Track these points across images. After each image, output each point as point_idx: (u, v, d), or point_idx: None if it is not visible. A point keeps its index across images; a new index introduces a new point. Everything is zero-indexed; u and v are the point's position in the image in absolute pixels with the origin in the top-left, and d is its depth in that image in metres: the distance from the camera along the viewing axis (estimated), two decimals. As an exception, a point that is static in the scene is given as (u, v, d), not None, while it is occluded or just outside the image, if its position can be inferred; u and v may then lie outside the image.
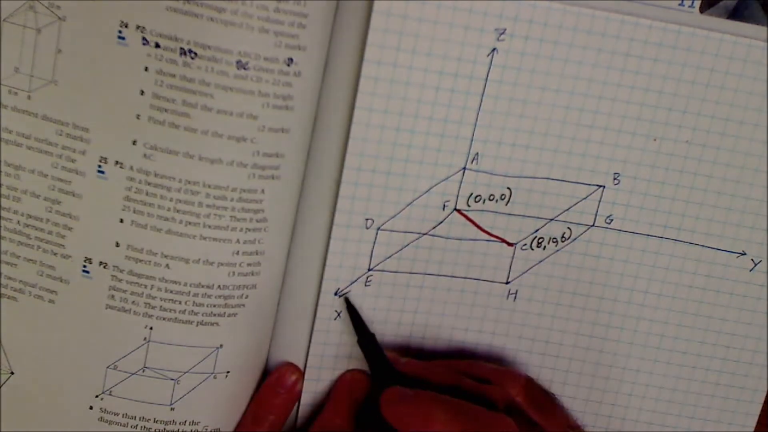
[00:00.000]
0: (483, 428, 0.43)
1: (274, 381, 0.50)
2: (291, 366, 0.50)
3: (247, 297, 0.47)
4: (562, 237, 0.50)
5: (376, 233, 0.48)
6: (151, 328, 0.46)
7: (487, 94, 0.46)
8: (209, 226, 0.44)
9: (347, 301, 0.49)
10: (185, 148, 0.43)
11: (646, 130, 0.48)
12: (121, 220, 0.44)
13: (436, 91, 0.46)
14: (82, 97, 0.43)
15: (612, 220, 0.50)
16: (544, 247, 0.50)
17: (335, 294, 0.49)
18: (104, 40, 0.42)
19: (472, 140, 0.47)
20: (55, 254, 0.46)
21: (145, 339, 0.46)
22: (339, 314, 0.49)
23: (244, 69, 0.42)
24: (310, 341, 0.50)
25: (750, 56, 0.47)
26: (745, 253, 0.51)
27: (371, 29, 0.44)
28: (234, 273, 0.46)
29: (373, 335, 0.48)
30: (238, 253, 0.45)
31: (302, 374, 0.50)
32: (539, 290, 0.51)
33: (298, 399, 0.51)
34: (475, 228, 0.49)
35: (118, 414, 0.47)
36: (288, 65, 0.43)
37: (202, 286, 0.45)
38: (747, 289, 0.51)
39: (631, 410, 0.53)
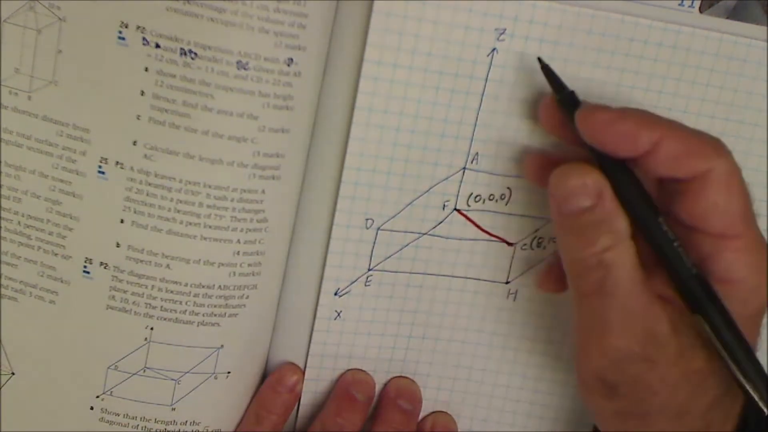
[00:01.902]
0: (708, 140, 0.39)
1: (274, 381, 0.50)
2: (292, 366, 0.50)
3: (247, 297, 0.47)
4: (562, 237, 0.50)
5: (376, 233, 0.48)
6: (151, 329, 0.46)
7: (487, 94, 0.46)
8: (210, 227, 0.44)
9: (541, 61, 0.44)
10: (186, 148, 0.43)
11: (646, 130, 0.48)
12: (122, 221, 0.44)
13: (436, 91, 0.46)
14: (82, 97, 0.43)
15: (612, 219, 0.50)
16: (544, 247, 0.50)
17: (336, 294, 0.49)
18: (104, 40, 0.42)
19: (472, 140, 0.47)
20: (56, 255, 0.46)
21: (145, 339, 0.46)
22: (339, 314, 0.49)
23: (245, 69, 0.42)
24: (310, 341, 0.50)
25: (750, 56, 0.47)
26: (744, 253, 0.51)
27: (371, 29, 0.44)
28: (234, 273, 0.46)
29: (574, 92, 0.43)
30: (238, 253, 0.45)
31: (303, 374, 0.50)
32: (539, 290, 0.51)
33: (299, 399, 0.51)
34: (475, 228, 0.49)
35: (119, 414, 0.47)
36: (288, 65, 0.43)
37: (203, 287, 0.45)
38: (747, 289, 0.51)
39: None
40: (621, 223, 0.40)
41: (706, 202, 0.39)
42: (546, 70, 0.44)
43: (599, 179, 0.41)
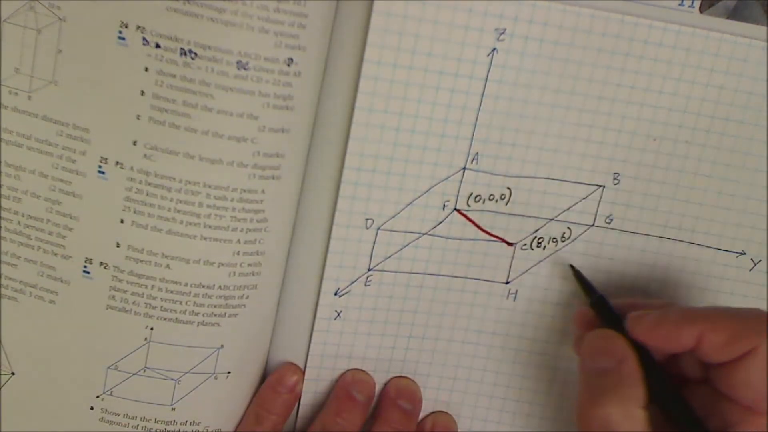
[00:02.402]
0: (753, 323, 0.41)
1: (275, 381, 0.50)
2: (292, 366, 0.50)
3: (247, 297, 0.47)
4: (562, 237, 0.50)
5: (376, 233, 0.48)
6: (151, 329, 0.46)
7: (487, 94, 0.46)
8: (210, 227, 0.44)
9: (574, 269, 0.49)
10: (185, 148, 0.43)
11: (646, 130, 0.48)
12: (122, 221, 0.44)
13: (436, 91, 0.46)
14: (82, 97, 0.43)
15: (612, 220, 0.50)
16: (544, 247, 0.50)
17: (336, 294, 0.49)
18: (104, 40, 0.42)
19: (472, 140, 0.47)
20: (56, 255, 0.46)
21: (145, 339, 0.46)
22: (339, 314, 0.49)
23: (245, 69, 0.42)
24: (310, 341, 0.50)
25: (750, 56, 0.47)
26: (744, 253, 0.51)
27: (371, 29, 0.44)
28: (234, 273, 0.46)
29: (604, 296, 0.47)
30: (238, 253, 0.45)
31: (303, 374, 0.50)
32: (539, 290, 0.51)
33: (299, 399, 0.51)
34: (475, 228, 0.49)
35: (119, 414, 0.47)
36: (288, 65, 0.43)
37: (203, 287, 0.45)
38: (747, 289, 0.51)
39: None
40: (636, 392, 0.42)
41: (740, 377, 0.41)
42: (579, 276, 0.49)
43: (625, 347, 0.43)
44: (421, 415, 0.52)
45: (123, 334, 0.46)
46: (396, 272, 0.49)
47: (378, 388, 0.52)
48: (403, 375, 0.52)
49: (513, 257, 0.50)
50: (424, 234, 0.49)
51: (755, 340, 0.40)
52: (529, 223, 0.49)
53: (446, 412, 0.53)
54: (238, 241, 0.45)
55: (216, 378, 0.48)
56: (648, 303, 0.47)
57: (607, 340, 0.44)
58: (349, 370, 0.51)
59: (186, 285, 0.45)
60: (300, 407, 0.51)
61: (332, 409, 0.50)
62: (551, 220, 0.49)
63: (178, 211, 0.44)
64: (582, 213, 0.49)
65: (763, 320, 0.41)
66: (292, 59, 0.43)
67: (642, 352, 0.43)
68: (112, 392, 0.47)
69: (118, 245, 0.45)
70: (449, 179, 0.48)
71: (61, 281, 0.46)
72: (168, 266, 0.45)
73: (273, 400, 0.50)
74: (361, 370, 0.51)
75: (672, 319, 0.43)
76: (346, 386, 0.50)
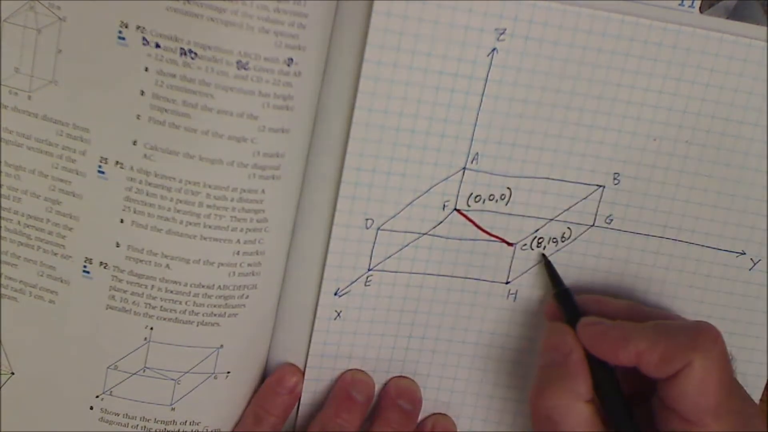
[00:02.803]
0: (685, 341, 0.43)
1: (274, 381, 0.50)
2: (292, 367, 0.50)
3: (247, 297, 0.47)
4: (562, 237, 0.50)
5: (376, 233, 0.48)
6: (151, 329, 0.46)
7: (487, 94, 0.46)
8: (209, 227, 0.44)
9: (544, 257, 0.50)
10: (185, 148, 0.43)
11: (646, 130, 0.48)
12: (122, 221, 0.44)
13: (436, 91, 0.46)
14: (82, 97, 0.43)
15: (612, 220, 0.50)
16: (544, 247, 0.50)
17: (335, 294, 0.49)
18: (104, 40, 0.42)
19: (472, 140, 0.47)
20: (56, 254, 0.46)
21: (145, 339, 0.46)
22: (339, 314, 0.49)
23: (245, 69, 0.42)
24: (310, 341, 0.50)
25: (750, 56, 0.47)
26: (744, 253, 0.51)
27: (371, 29, 0.44)
28: (234, 273, 0.46)
29: (569, 290, 0.49)
30: (238, 253, 0.45)
31: (303, 375, 0.50)
32: (539, 291, 0.51)
33: (299, 400, 0.51)
34: (475, 228, 0.49)
35: (118, 414, 0.47)
36: (288, 65, 0.43)
37: (203, 287, 0.45)
38: (746, 289, 0.51)
39: (631, 410, 0.53)
40: (579, 386, 0.44)
41: (678, 391, 0.42)
42: (548, 266, 0.50)
43: (573, 342, 0.45)
44: (421, 416, 0.52)
45: (123, 333, 0.46)
46: (396, 272, 0.49)
47: (378, 388, 0.52)
48: (403, 375, 0.52)
49: (513, 257, 0.50)
50: (424, 234, 0.49)
51: (689, 355, 0.42)
52: (529, 223, 0.49)
53: (446, 415, 0.53)
54: (238, 241, 0.45)
55: (216, 378, 0.48)
56: (613, 303, 0.48)
57: (557, 334, 0.46)
58: (348, 370, 0.51)
59: (186, 285, 0.45)
60: (300, 407, 0.51)
61: (331, 410, 0.50)
62: (551, 220, 0.49)
63: (178, 211, 0.44)
64: (582, 213, 0.49)
65: (697, 335, 0.43)
66: (292, 59, 0.43)
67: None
68: (111, 392, 0.47)
69: (117, 245, 0.45)
70: (449, 179, 0.48)
71: (61, 281, 0.46)
72: (168, 266, 0.45)
73: (272, 400, 0.50)
74: (360, 370, 0.51)
75: (612, 336, 0.44)
76: (346, 386, 0.50)
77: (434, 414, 0.53)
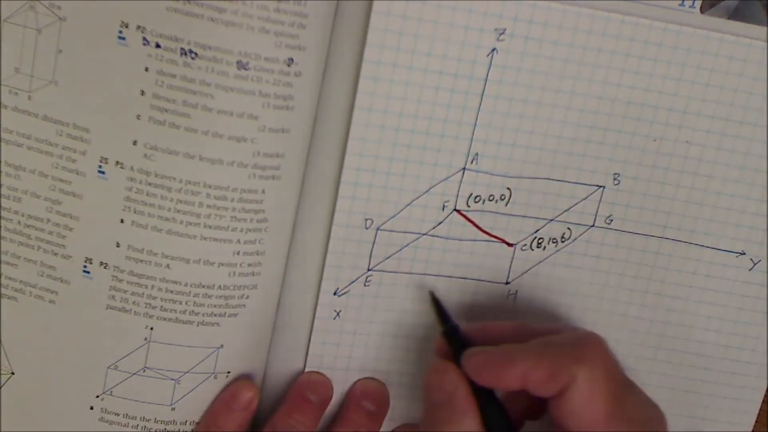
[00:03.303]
0: (568, 354, 0.42)
1: (228, 397, 0.49)
2: (247, 382, 0.49)
3: (247, 297, 0.47)
4: (562, 237, 0.50)
5: (376, 233, 0.48)
6: (151, 329, 0.46)
7: (487, 94, 0.46)
8: (210, 227, 0.44)
9: (433, 296, 0.49)
10: (186, 148, 0.43)
11: (646, 130, 0.48)
12: (122, 221, 0.44)
13: (436, 91, 0.46)
14: (82, 97, 0.43)
15: (612, 220, 0.50)
16: (544, 247, 0.50)
17: (335, 294, 0.49)
18: (104, 40, 0.42)
19: (472, 140, 0.47)
20: (56, 254, 0.46)
21: (145, 339, 0.46)
22: (339, 314, 0.49)
23: (245, 69, 0.42)
24: (309, 341, 0.50)
25: (750, 56, 0.47)
26: (744, 253, 0.51)
27: (371, 29, 0.44)
28: (234, 273, 0.46)
29: (457, 326, 0.47)
30: (238, 253, 0.45)
31: (258, 391, 0.49)
32: (539, 290, 0.51)
33: (252, 416, 0.49)
34: (475, 228, 0.49)
35: (118, 414, 0.47)
36: (288, 65, 0.43)
37: (203, 287, 0.45)
38: (746, 289, 0.51)
39: (631, 410, 0.53)
40: (467, 423, 0.43)
41: (566, 407, 0.41)
42: (436, 304, 0.48)
43: (455, 380, 0.44)
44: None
45: (123, 333, 0.46)
46: (395, 272, 0.49)
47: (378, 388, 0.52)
48: (372, 377, 0.52)
49: (513, 257, 0.50)
50: (423, 234, 0.49)
51: (573, 369, 0.41)
52: (529, 224, 0.49)
53: (377, 379, 0.52)
54: (238, 241, 0.45)
55: (216, 378, 0.48)
56: (497, 327, 0.47)
57: (439, 374, 0.45)
58: (305, 372, 0.51)
59: (186, 285, 0.45)
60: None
61: (284, 410, 0.49)
62: (551, 220, 0.49)
63: (178, 211, 0.44)
64: (582, 213, 0.49)
65: (580, 347, 0.42)
66: (292, 59, 0.43)
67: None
68: (111, 392, 0.47)
69: (118, 245, 0.45)
70: (449, 179, 0.48)
71: (61, 281, 0.46)
72: (168, 266, 0.45)
73: (225, 417, 0.49)
74: (316, 371, 0.51)
75: (496, 361, 0.43)
76: (300, 387, 0.50)
77: (362, 379, 0.52)
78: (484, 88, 0.46)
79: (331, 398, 0.51)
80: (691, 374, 0.53)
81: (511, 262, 0.50)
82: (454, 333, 0.46)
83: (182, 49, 0.42)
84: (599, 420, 0.41)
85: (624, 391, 0.43)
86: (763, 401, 0.54)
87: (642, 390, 0.45)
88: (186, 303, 0.45)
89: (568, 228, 0.50)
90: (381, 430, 0.52)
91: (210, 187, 0.44)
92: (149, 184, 0.44)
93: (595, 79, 0.47)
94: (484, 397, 0.44)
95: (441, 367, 0.45)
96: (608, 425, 0.41)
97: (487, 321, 0.48)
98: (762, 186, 0.49)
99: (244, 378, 0.49)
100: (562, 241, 0.50)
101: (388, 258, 0.49)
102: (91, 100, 0.43)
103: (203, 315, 0.46)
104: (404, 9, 0.44)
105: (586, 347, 0.42)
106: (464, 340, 0.46)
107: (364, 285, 0.49)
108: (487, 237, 0.49)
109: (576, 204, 0.49)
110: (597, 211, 0.49)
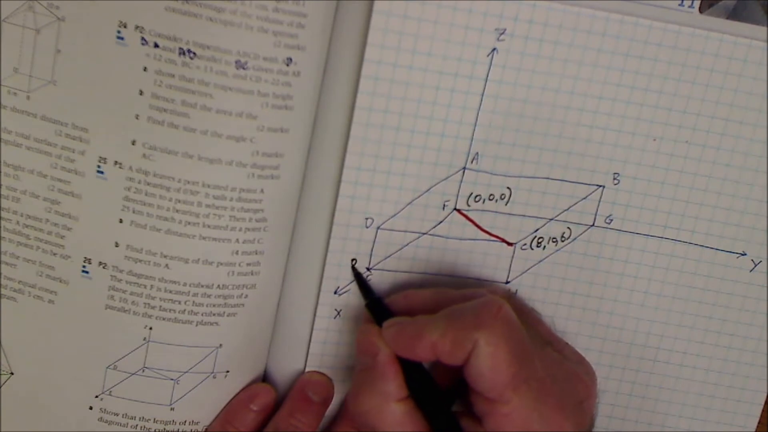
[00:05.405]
0: (469, 321, 0.43)
1: (246, 398, 0.49)
2: (265, 385, 0.50)
3: (246, 297, 0.47)
4: (562, 237, 0.50)
5: (376, 233, 0.48)
6: (150, 328, 0.46)
7: (487, 94, 0.46)
8: (208, 226, 0.44)
9: (354, 269, 0.49)
10: (184, 148, 0.43)
11: (646, 130, 0.48)
12: (121, 221, 0.44)
13: (436, 91, 0.46)
14: (81, 97, 0.44)
15: (612, 220, 0.50)
16: (544, 247, 0.50)
17: (335, 293, 0.49)
18: (103, 40, 0.42)
19: (472, 140, 0.47)
20: (55, 254, 0.46)
21: (144, 339, 0.46)
22: (339, 313, 0.49)
23: (243, 69, 0.42)
24: (310, 340, 0.50)
25: (750, 56, 0.47)
26: (745, 254, 0.51)
27: (371, 29, 0.44)
28: (233, 273, 0.46)
29: (380, 298, 0.48)
30: (237, 252, 0.45)
31: (276, 395, 0.50)
32: (539, 290, 0.51)
33: (267, 419, 0.50)
34: (475, 228, 0.49)
35: (117, 414, 0.47)
36: (287, 65, 0.43)
37: (202, 286, 0.45)
38: (747, 290, 0.51)
39: (630, 410, 0.53)
40: (389, 386, 0.44)
41: (473, 371, 0.42)
42: (357, 277, 0.49)
43: (378, 343, 0.45)
44: None
45: (122, 333, 0.46)
46: (396, 272, 0.49)
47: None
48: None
49: (513, 257, 0.50)
50: (424, 234, 0.49)
51: (474, 335, 0.42)
52: (529, 223, 0.49)
53: (322, 373, 0.51)
54: (237, 240, 0.45)
55: (215, 377, 0.48)
56: (419, 295, 0.48)
57: (365, 336, 0.46)
58: (307, 371, 0.51)
59: (185, 284, 0.45)
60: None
61: (286, 410, 0.49)
62: (551, 220, 0.49)
63: (177, 211, 0.44)
64: (582, 213, 0.49)
65: (479, 312, 0.43)
66: (291, 59, 0.43)
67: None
68: (111, 392, 0.47)
69: (117, 245, 0.45)
70: (449, 179, 0.48)
71: (60, 281, 0.46)
72: (167, 266, 0.45)
73: (242, 417, 0.49)
74: (318, 371, 0.51)
75: (409, 333, 0.44)
76: (302, 387, 0.50)
77: (308, 371, 0.51)
78: (484, 88, 0.46)
79: (332, 398, 0.51)
80: (693, 375, 0.53)
81: (511, 261, 0.50)
82: (376, 304, 0.47)
83: (181, 48, 0.42)
84: (505, 382, 0.42)
85: (526, 350, 0.43)
86: (765, 402, 0.54)
87: (565, 347, 0.46)
88: (185, 303, 0.45)
89: (568, 227, 0.50)
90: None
91: (209, 186, 0.44)
92: (148, 184, 0.44)
93: (595, 79, 0.47)
94: (408, 363, 0.45)
95: (367, 330, 0.46)
96: (515, 386, 0.42)
97: (411, 290, 0.48)
98: (762, 186, 0.49)
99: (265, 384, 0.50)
100: (562, 241, 0.50)
101: (388, 257, 0.49)
102: (90, 100, 0.43)
103: (202, 315, 0.46)
104: (405, 9, 0.44)
105: (486, 312, 0.43)
106: (386, 310, 0.47)
107: (365, 284, 0.49)
108: (487, 236, 0.49)
109: (576, 203, 0.49)
110: (597, 211, 0.49)
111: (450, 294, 0.47)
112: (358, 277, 0.49)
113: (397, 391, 0.44)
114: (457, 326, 0.42)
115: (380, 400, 0.44)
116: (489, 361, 0.42)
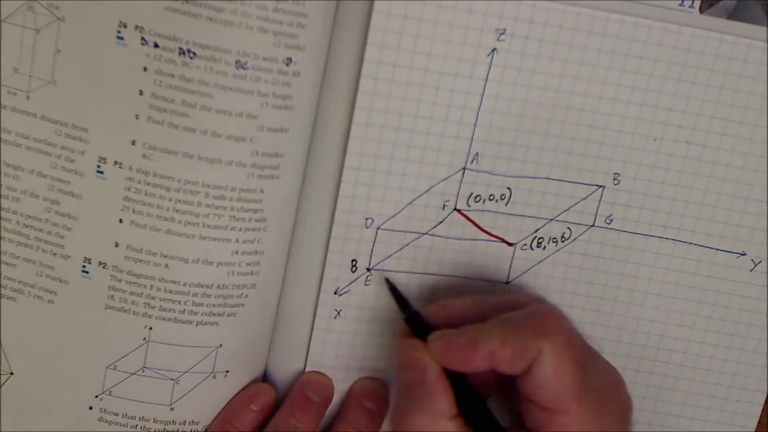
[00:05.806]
0: (531, 330, 0.42)
1: (246, 398, 0.49)
2: (266, 385, 0.50)
3: (246, 296, 0.47)
4: (562, 237, 0.50)
5: (376, 233, 0.48)
6: (150, 328, 0.46)
7: (487, 94, 0.46)
8: (208, 226, 0.44)
9: (389, 282, 0.48)
10: (184, 148, 0.43)
11: (646, 130, 0.48)
12: (121, 220, 0.44)
13: (436, 91, 0.46)
14: (81, 97, 0.44)
15: (612, 220, 0.50)
16: (544, 247, 0.50)
17: (335, 293, 0.49)
18: (103, 40, 0.42)
19: (472, 140, 0.47)
20: (55, 254, 0.46)
21: (144, 339, 0.46)
22: (339, 313, 0.49)
23: (243, 69, 0.42)
24: (310, 340, 0.50)
25: (750, 56, 0.47)
26: (745, 254, 0.51)
27: (371, 29, 0.44)
28: (233, 272, 0.46)
29: (417, 312, 0.46)
30: (237, 252, 0.45)
31: (276, 395, 0.50)
32: (539, 290, 0.51)
33: (266, 419, 0.50)
34: (475, 228, 0.49)
35: (117, 414, 0.47)
36: (287, 65, 0.43)
37: (202, 286, 0.45)
38: (747, 290, 0.51)
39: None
40: (440, 404, 0.43)
41: (534, 381, 0.41)
42: (394, 292, 0.48)
43: (427, 359, 0.43)
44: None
45: (122, 333, 0.46)
46: (396, 272, 0.49)
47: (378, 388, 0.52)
48: (372, 376, 0.52)
49: (513, 257, 0.50)
50: (424, 234, 0.49)
51: (538, 344, 0.41)
52: (529, 223, 0.49)
53: (377, 378, 0.52)
54: (237, 240, 0.45)
55: (215, 377, 0.48)
56: (458, 305, 0.46)
57: (410, 352, 0.44)
58: (307, 371, 0.51)
59: (185, 284, 0.45)
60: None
61: (286, 410, 0.49)
62: (551, 220, 0.49)
63: (177, 211, 0.44)
64: (582, 213, 0.49)
65: (542, 321, 0.42)
66: (291, 59, 0.43)
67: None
68: (110, 392, 0.47)
69: (116, 245, 0.45)
70: (449, 179, 0.48)
71: (60, 281, 0.46)
72: (167, 266, 0.45)
73: (242, 416, 0.49)
74: (318, 371, 0.51)
75: (461, 345, 0.43)
76: (302, 387, 0.50)
77: (362, 378, 0.52)
78: (484, 88, 0.46)
79: (332, 398, 0.51)
80: (692, 375, 0.53)
81: (511, 261, 0.50)
82: (415, 319, 0.46)
83: (181, 48, 0.42)
84: (568, 392, 0.41)
85: (588, 360, 0.43)
86: (765, 402, 0.53)
87: (600, 354, 0.45)
88: (185, 302, 0.45)
89: (568, 228, 0.50)
90: (381, 429, 0.52)
91: (209, 186, 0.44)
92: (148, 184, 0.44)
93: (595, 79, 0.47)
94: (454, 377, 0.43)
95: (411, 344, 0.44)
96: (578, 396, 0.41)
97: (447, 300, 0.47)
98: (762, 186, 0.49)
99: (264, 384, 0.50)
100: (562, 241, 0.50)
101: (388, 257, 0.49)
102: (90, 100, 0.43)
103: (202, 314, 0.46)
104: (404, 9, 0.44)
105: (547, 320, 0.42)
106: (427, 324, 0.45)
107: (365, 284, 0.49)
108: (487, 236, 0.49)
109: (576, 204, 0.49)
110: (597, 211, 0.49)
111: (492, 301, 0.46)
112: (394, 291, 0.48)
113: (448, 409, 0.43)
114: (517, 335, 0.42)
115: (432, 418, 0.43)
116: (553, 371, 0.41)
